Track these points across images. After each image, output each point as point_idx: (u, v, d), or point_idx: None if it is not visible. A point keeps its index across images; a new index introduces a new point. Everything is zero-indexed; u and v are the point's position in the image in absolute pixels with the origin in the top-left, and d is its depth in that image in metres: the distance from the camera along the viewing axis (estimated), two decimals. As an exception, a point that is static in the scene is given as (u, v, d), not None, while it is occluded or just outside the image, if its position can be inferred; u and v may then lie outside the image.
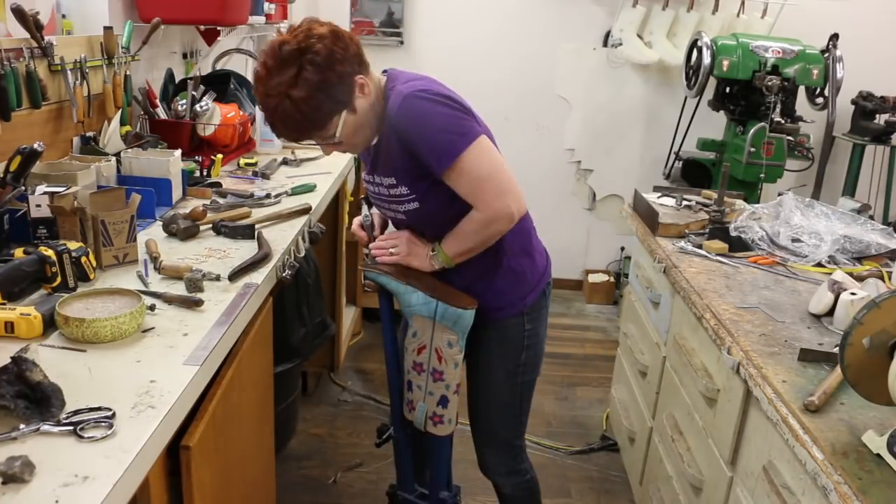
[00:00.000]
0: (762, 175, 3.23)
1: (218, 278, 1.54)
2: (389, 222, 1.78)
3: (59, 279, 1.40)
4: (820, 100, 3.54)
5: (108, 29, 2.18)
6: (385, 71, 1.59)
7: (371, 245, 1.69)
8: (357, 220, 1.81)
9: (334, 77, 1.40)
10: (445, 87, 1.52)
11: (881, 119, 3.72)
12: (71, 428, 0.99)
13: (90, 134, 2.16)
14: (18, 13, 1.81)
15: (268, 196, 2.17)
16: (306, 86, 1.37)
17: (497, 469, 1.86)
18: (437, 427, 1.70)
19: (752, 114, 3.42)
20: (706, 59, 3.41)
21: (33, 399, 1.03)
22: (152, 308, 1.38)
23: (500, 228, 1.54)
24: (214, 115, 2.56)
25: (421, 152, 1.46)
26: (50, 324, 1.26)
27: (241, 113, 2.71)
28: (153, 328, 1.31)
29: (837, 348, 1.20)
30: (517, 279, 1.68)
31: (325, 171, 2.59)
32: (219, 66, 3.16)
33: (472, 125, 1.48)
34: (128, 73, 2.28)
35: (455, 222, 1.56)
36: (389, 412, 1.84)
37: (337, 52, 1.40)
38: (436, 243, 1.61)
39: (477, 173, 1.47)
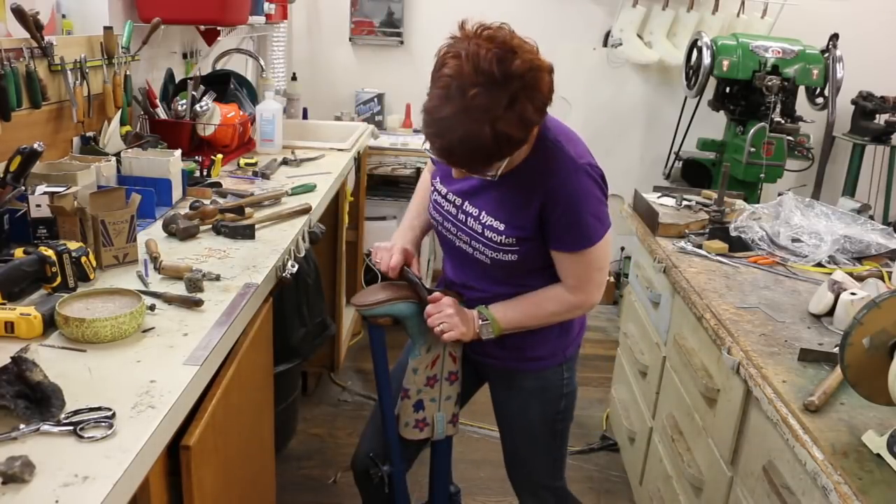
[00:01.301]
0: (762, 175, 3.23)
1: (218, 278, 1.54)
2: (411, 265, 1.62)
3: (59, 279, 1.40)
4: (820, 100, 3.54)
5: (108, 29, 2.18)
6: None
7: (430, 319, 1.51)
8: (395, 262, 1.58)
9: (536, 117, 1.24)
10: (592, 155, 1.44)
11: (881, 119, 3.72)
12: (71, 428, 0.99)
13: (90, 134, 2.16)
14: (18, 13, 1.81)
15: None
16: (517, 123, 1.20)
17: None
18: (455, 427, 1.72)
19: (752, 114, 3.42)
20: (706, 59, 3.41)
21: (33, 399, 1.03)
22: (152, 308, 1.38)
23: (576, 315, 1.54)
24: (214, 115, 2.56)
25: (557, 224, 1.40)
26: (50, 324, 1.26)
27: (241, 113, 2.71)
28: (153, 328, 1.31)
29: (837, 348, 1.20)
30: (562, 331, 1.62)
31: (325, 171, 2.59)
32: (219, 66, 3.16)
33: (608, 213, 1.45)
34: (128, 73, 2.28)
35: (531, 282, 1.51)
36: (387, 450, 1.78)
37: (545, 82, 1.24)
38: (481, 310, 1.51)
39: (596, 264, 1.46)
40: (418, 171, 3.63)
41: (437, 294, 1.54)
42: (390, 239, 1.66)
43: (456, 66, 1.20)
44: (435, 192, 1.58)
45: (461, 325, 1.50)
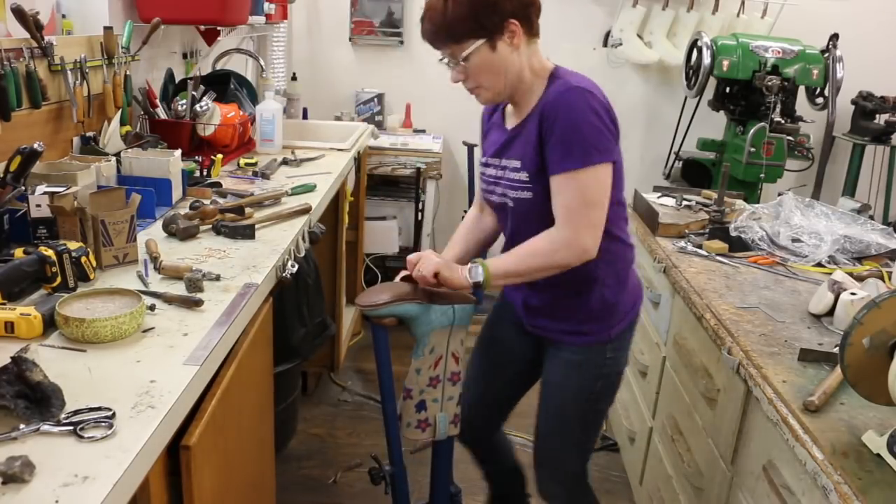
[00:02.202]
0: (762, 175, 3.23)
1: (218, 278, 1.54)
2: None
3: (59, 279, 1.40)
4: (820, 100, 3.54)
5: (108, 29, 2.18)
6: (555, 64, 1.57)
7: (413, 272, 1.58)
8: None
9: (490, 1, 1.43)
10: (608, 101, 1.50)
11: (881, 119, 3.72)
12: (71, 428, 0.99)
13: (90, 134, 2.16)
14: (18, 13, 1.81)
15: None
16: None
17: (556, 494, 1.81)
18: (457, 427, 1.72)
19: (752, 114, 3.42)
20: (706, 59, 3.41)
21: (33, 399, 1.03)
22: (152, 308, 1.38)
23: (567, 260, 1.47)
24: (214, 115, 2.56)
25: (552, 141, 1.44)
26: (50, 324, 1.26)
27: (241, 113, 2.71)
28: (153, 328, 1.31)
29: (837, 348, 1.20)
30: (608, 308, 1.61)
31: (325, 171, 2.60)
32: (219, 66, 3.16)
33: (612, 148, 1.47)
34: (128, 73, 2.28)
35: (541, 227, 1.51)
36: (387, 451, 1.81)
37: None
38: (475, 260, 1.56)
39: (585, 195, 1.44)
40: (418, 171, 3.63)
41: (414, 254, 1.60)
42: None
43: None
44: (481, 166, 1.67)
45: (441, 262, 1.54)
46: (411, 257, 1.59)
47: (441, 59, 1.51)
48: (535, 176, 1.49)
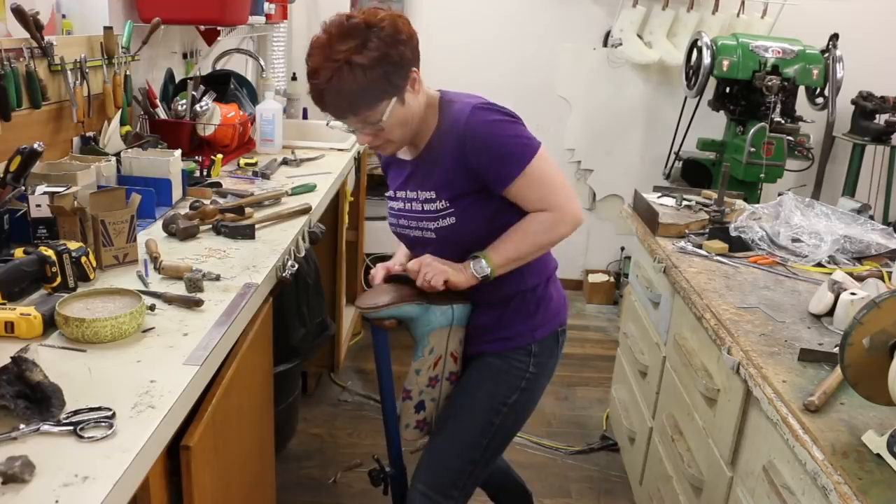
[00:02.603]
0: (762, 175, 3.23)
1: (218, 278, 1.54)
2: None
3: (59, 279, 1.40)
4: (820, 100, 3.54)
5: (108, 29, 2.18)
6: (438, 90, 1.58)
7: (417, 280, 1.54)
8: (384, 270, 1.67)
9: (395, 56, 1.39)
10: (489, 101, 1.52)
11: (881, 119, 3.72)
12: (71, 428, 0.99)
13: (90, 134, 2.16)
14: (18, 13, 1.81)
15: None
16: (369, 56, 1.37)
17: None
18: None
19: (752, 114, 3.42)
20: (706, 59, 3.41)
21: (33, 399, 1.03)
22: (152, 308, 1.38)
23: (564, 232, 1.53)
24: (214, 115, 2.56)
25: (489, 161, 1.46)
26: (50, 324, 1.26)
27: (241, 113, 2.71)
28: (153, 328, 1.31)
29: (837, 348, 1.20)
30: (529, 309, 1.62)
31: (325, 171, 2.60)
32: (219, 66, 3.16)
33: (533, 136, 1.50)
34: (128, 73, 2.28)
35: (481, 246, 1.53)
36: (387, 451, 1.81)
37: (402, 33, 1.41)
38: (473, 254, 1.54)
39: (548, 177, 1.50)
40: (418, 171, 3.63)
41: (414, 261, 1.56)
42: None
43: (320, 37, 1.44)
44: (388, 200, 1.67)
45: (447, 267, 1.52)
46: (411, 265, 1.56)
47: (349, 129, 1.50)
48: (455, 201, 1.51)
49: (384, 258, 3.97)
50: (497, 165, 1.47)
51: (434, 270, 1.52)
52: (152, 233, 1.81)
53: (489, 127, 1.46)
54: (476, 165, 1.47)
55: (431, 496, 1.65)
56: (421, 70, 1.47)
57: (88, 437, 0.98)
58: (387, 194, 1.68)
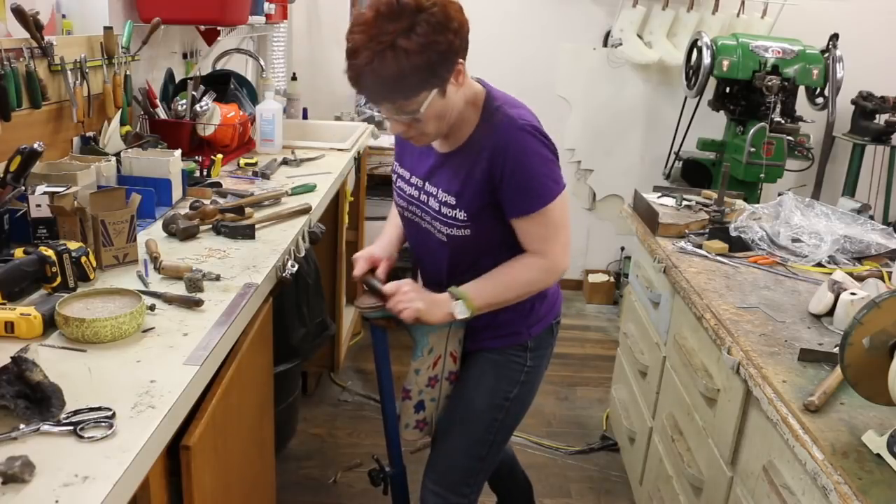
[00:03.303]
0: (762, 175, 3.23)
1: (218, 278, 1.54)
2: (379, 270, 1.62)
3: (59, 279, 1.40)
4: (820, 100, 3.54)
5: (108, 29, 2.18)
6: (479, 80, 1.50)
7: (388, 305, 1.51)
8: (357, 271, 1.62)
9: (444, 44, 1.29)
10: (542, 127, 1.46)
11: (881, 119, 3.72)
12: (71, 428, 0.99)
13: (90, 134, 2.16)
14: (18, 13, 1.81)
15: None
16: (416, 41, 1.26)
17: None
18: None
19: (752, 114, 3.42)
20: (706, 59, 3.41)
21: (33, 399, 1.03)
22: (152, 308, 1.38)
23: (549, 283, 1.52)
24: (214, 115, 2.56)
25: (511, 187, 1.41)
26: (50, 324, 1.26)
27: (241, 113, 2.71)
28: (153, 328, 1.31)
29: (837, 348, 1.20)
30: (525, 308, 1.61)
31: (325, 171, 2.59)
32: (219, 66, 3.16)
33: (561, 175, 1.47)
34: (128, 73, 2.28)
35: (487, 262, 1.51)
36: (387, 451, 1.81)
37: (453, 21, 1.31)
38: (452, 290, 1.50)
39: (557, 223, 1.46)
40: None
41: (392, 284, 1.53)
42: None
43: (365, 14, 1.31)
44: (398, 178, 1.61)
45: (418, 303, 1.47)
46: (389, 288, 1.51)
47: (380, 115, 1.43)
48: (475, 215, 1.46)
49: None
50: (518, 195, 1.43)
51: (407, 304, 1.47)
52: (152, 233, 1.81)
53: (528, 157, 1.41)
54: (498, 184, 1.42)
55: (444, 495, 1.67)
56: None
57: (88, 437, 0.98)
58: (397, 170, 1.60)
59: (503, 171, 1.40)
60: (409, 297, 1.48)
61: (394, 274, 1.66)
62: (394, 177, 1.63)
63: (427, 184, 1.52)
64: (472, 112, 1.45)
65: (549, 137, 1.45)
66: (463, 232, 1.48)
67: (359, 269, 1.60)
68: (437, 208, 1.50)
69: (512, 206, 1.44)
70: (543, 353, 1.68)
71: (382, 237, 1.73)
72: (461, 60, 1.35)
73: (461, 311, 1.48)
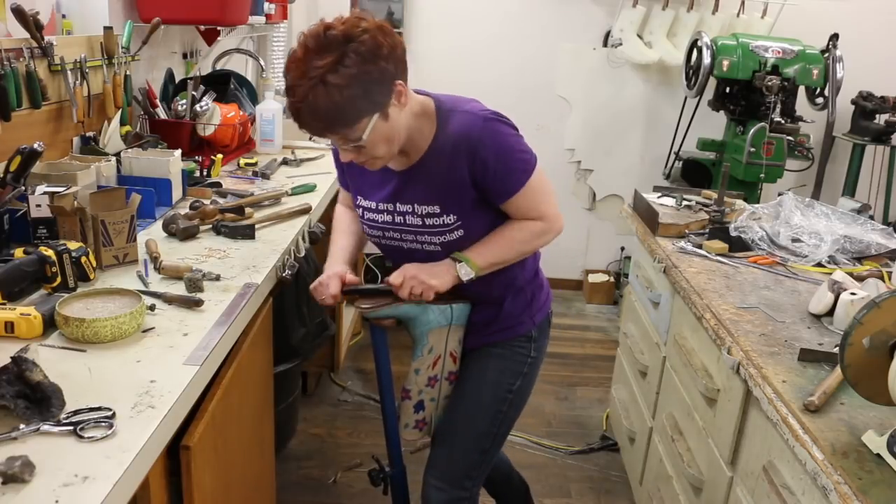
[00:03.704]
0: (762, 175, 3.23)
1: (218, 278, 1.54)
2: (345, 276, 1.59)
3: (59, 279, 1.40)
4: (820, 100, 3.54)
5: (108, 29, 2.18)
6: (420, 91, 1.50)
7: (401, 293, 1.50)
8: (334, 290, 1.57)
9: (375, 72, 1.30)
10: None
11: (881, 119, 3.72)
12: (71, 428, 0.99)
13: (90, 134, 2.16)
14: (18, 13, 1.81)
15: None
16: (345, 74, 1.27)
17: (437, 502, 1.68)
18: None
19: (752, 114, 3.42)
20: (706, 59, 3.41)
21: (33, 399, 1.03)
22: (152, 308, 1.38)
23: (548, 241, 1.56)
24: (214, 115, 2.56)
25: (496, 175, 1.44)
26: (50, 324, 1.26)
27: (241, 113, 2.71)
28: (153, 328, 1.31)
29: (837, 348, 1.20)
30: (527, 298, 1.67)
31: (325, 171, 2.59)
32: (219, 66, 3.16)
33: (531, 149, 1.50)
34: (128, 73, 2.28)
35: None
36: (387, 451, 1.81)
37: (383, 47, 1.31)
38: (453, 255, 1.51)
39: (543, 188, 1.51)
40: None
41: (395, 274, 1.52)
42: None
43: (296, 52, 1.32)
44: (362, 210, 1.59)
45: (432, 279, 1.49)
46: (393, 278, 1.50)
47: (329, 144, 1.43)
48: (464, 215, 1.48)
49: (383, 258, 3.94)
50: (502, 180, 1.46)
51: (421, 285, 1.48)
52: (152, 233, 1.81)
53: (501, 141, 1.44)
54: (481, 177, 1.44)
55: (447, 490, 1.67)
56: (412, 76, 1.39)
57: (88, 437, 0.98)
58: (361, 203, 1.58)
59: (485, 163, 1.43)
60: (419, 278, 1.49)
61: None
62: (359, 212, 1.61)
63: (398, 204, 1.51)
64: (426, 122, 1.46)
65: (507, 118, 1.49)
66: (457, 234, 1.50)
67: (334, 289, 1.56)
68: (420, 222, 1.50)
69: (500, 191, 1.47)
70: (543, 343, 1.72)
71: (334, 253, 1.68)
72: (399, 82, 1.35)
73: (466, 272, 1.50)
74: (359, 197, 1.59)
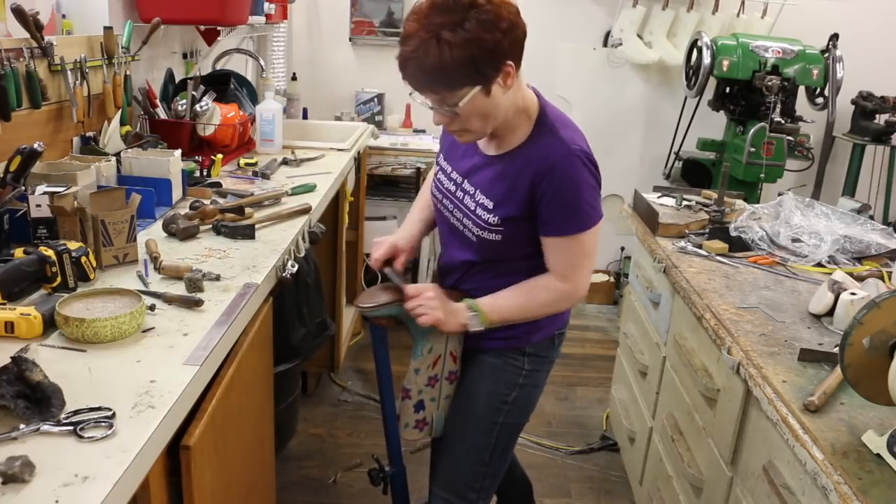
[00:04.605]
0: (762, 175, 3.23)
1: (218, 278, 1.54)
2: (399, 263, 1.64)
3: (59, 279, 1.40)
4: (820, 100, 3.54)
5: (108, 29, 2.18)
6: (535, 91, 1.52)
7: (408, 304, 1.53)
8: (378, 255, 1.64)
9: (490, 42, 1.30)
10: (589, 146, 1.47)
11: (881, 119, 3.72)
12: (71, 428, 0.99)
13: (90, 134, 2.16)
14: (18, 13, 1.81)
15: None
16: (461, 36, 1.29)
17: None
18: None
19: (752, 114, 3.42)
20: (706, 59, 3.41)
21: (33, 399, 1.03)
22: (152, 308, 1.38)
23: (565, 308, 1.53)
24: (214, 115, 2.56)
25: (548, 204, 1.42)
26: (50, 324, 1.26)
27: (241, 113, 2.71)
28: (153, 328, 1.31)
29: (837, 348, 1.20)
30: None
31: (325, 171, 2.59)
32: (219, 66, 3.16)
33: (600, 207, 1.47)
34: (128, 73, 2.28)
35: (505, 267, 1.53)
36: (387, 451, 1.81)
37: (503, 21, 1.32)
38: (468, 302, 1.51)
39: (586, 251, 1.47)
40: (418, 171, 3.63)
41: (415, 287, 1.54)
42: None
43: (422, 4, 1.36)
44: (439, 170, 1.63)
45: (438, 312, 1.49)
46: (411, 290, 1.53)
47: (425, 104, 1.41)
48: (510, 223, 1.47)
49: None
50: (557, 216, 1.43)
51: (428, 311, 1.49)
52: (152, 233, 1.81)
53: (573, 181, 1.41)
54: (539, 201, 1.43)
55: (449, 499, 1.67)
56: (521, 76, 1.42)
57: (88, 437, 0.98)
58: (440, 162, 1.62)
59: (546, 189, 1.41)
60: (432, 304, 1.50)
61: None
62: (434, 168, 1.65)
63: (466, 182, 1.53)
64: (525, 122, 1.46)
65: (597, 165, 1.46)
66: (494, 237, 1.49)
67: (378, 254, 1.61)
68: (473, 208, 1.51)
69: (549, 224, 1.45)
70: (542, 359, 1.66)
71: (405, 227, 1.73)
72: (510, 63, 1.35)
73: (475, 325, 1.50)
74: (441, 155, 1.64)
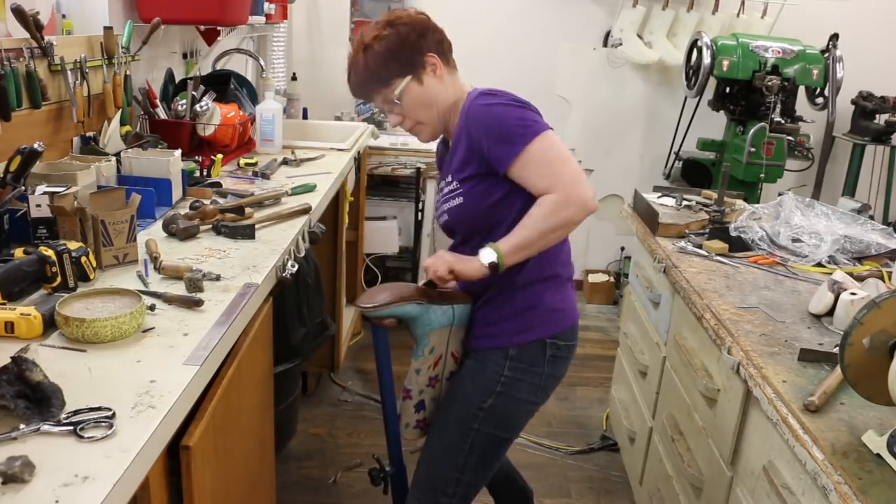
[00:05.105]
0: (762, 175, 3.23)
1: (218, 278, 1.54)
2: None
3: (59, 279, 1.40)
4: (820, 100, 3.54)
5: (108, 29, 2.18)
6: (476, 88, 1.61)
7: (426, 262, 1.60)
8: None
9: (410, 41, 1.53)
10: (517, 96, 1.55)
11: (881, 119, 3.72)
12: (71, 428, 0.99)
13: (90, 134, 2.16)
14: (18, 13, 1.81)
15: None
16: (382, 41, 1.53)
17: None
18: None
19: (752, 114, 3.42)
20: (706, 59, 3.41)
21: (33, 399, 1.03)
22: (152, 308, 1.38)
23: (570, 216, 1.45)
24: (214, 115, 2.56)
25: (489, 142, 1.48)
26: (50, 324, 1.26)
27: (241, 113, 2.71)
28: (153, 328, 1.31)
29: (837, 348, 1.20)
30: (516, 309, 1.58)
31: (325, 171, 2.59)
32: (219, 66, 3.16)
33: (541, 121, 1.50)
34: (128, 73, 2.28)
35: (485, 233, 1.54)
36: (387, 451, 1.81)
37: (418, 27, 1.55)
38: (485, 244, 1.50)
39: (548, 159, 1.46)
40: (418, 171, 3.63)
41: (428, 259, 1.60)
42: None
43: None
44: (438, 190, 1.72)
45: (457, 262, 1.52)
46: (429, 262, 1.57)
47: (376, 110, 1.55)
48: (464, 182, 1.55)
49: (384, 258, 3.95)
50: (496, 146, 1.47)
51: (440, 262, 1.54)
52: (152, 233, 1.81)
53: (489, 109, 1.50)
54: (479, 146, 1.50)
55: (422, 500, 1.66)
56: (456, 74, 1.60)
57: (88, 437, 0.98)
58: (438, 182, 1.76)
59: (474, 133, 1.50)
60: (444, 258, 1.55)
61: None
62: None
63: (443, 181, 1.65)
64: (458, 110, 1.59)
65: (515, 95, 1.53)
66: (457, 201, 1.57)
67: (436, 267, 1.58)
68: (443, 193, 1.62)
69: (498, 158, 1.48)
70: (527, 369, 1.60)
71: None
72: (432, 54, 1.55)
73: (487, 255, 1.47)
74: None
